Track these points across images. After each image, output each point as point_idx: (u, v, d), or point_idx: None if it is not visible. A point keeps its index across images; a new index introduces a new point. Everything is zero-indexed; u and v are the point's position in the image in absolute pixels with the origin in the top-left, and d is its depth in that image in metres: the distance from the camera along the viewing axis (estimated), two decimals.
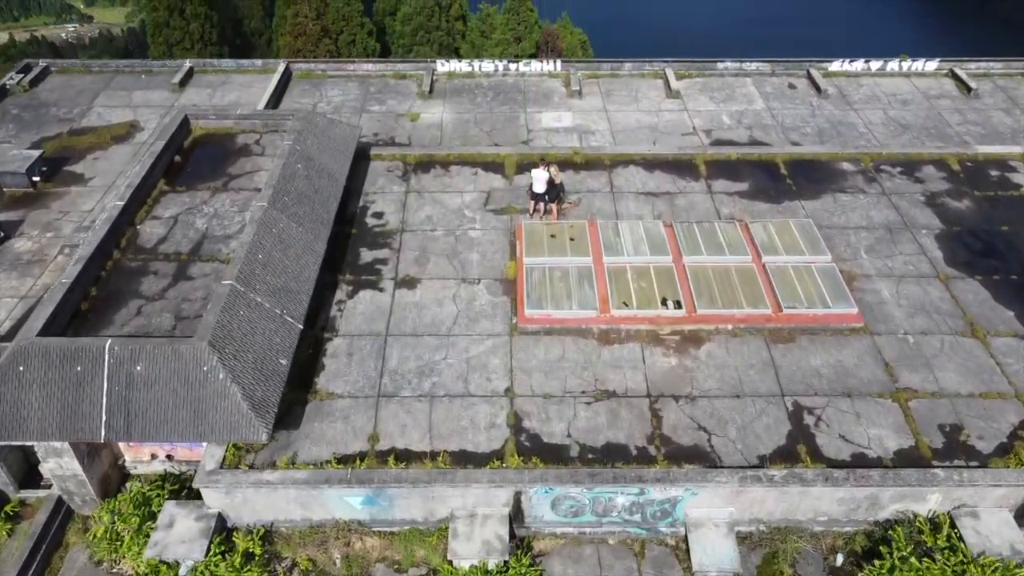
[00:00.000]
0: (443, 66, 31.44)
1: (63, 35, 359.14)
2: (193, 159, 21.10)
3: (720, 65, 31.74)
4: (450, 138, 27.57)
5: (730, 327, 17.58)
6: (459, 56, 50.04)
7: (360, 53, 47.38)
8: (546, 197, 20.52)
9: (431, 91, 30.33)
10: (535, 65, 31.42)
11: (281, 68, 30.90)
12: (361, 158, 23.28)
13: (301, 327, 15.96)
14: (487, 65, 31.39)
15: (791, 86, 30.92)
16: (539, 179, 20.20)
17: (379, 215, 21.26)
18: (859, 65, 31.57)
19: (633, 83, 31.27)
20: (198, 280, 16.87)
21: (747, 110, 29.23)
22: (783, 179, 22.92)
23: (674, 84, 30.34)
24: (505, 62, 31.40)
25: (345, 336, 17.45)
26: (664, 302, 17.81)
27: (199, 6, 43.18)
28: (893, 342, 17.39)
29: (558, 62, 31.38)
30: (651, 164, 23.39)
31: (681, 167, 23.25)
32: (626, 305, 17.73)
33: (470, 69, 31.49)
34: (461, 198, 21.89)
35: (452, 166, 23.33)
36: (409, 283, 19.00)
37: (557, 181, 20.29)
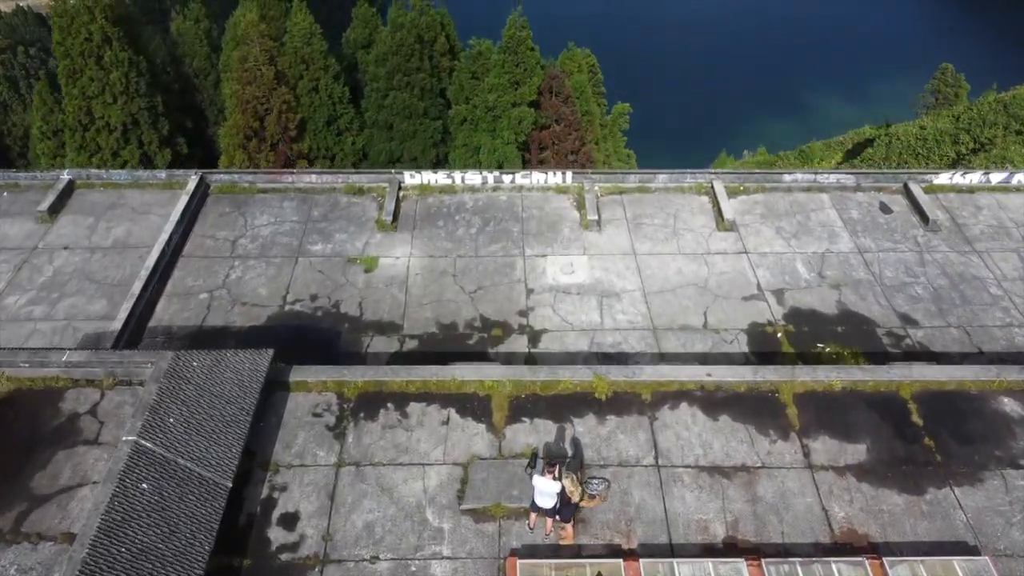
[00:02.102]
0: (413, 178, 23.29)
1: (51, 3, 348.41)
2: None
3: (787, 177, 23.62)
4: (417, 305, 19.64)
5: None
6: (444, 98, 41.62)
7: (324, 103, 39.03)
8: (557, 515, 12.72)
9: (395, 217, 22.24)
10: (537, 177, 23.29)
11: (193, 182, 22.78)
12: (276, 387, 15.39)
13: None
14: (472, 177, 23.26)
15: (884, 208, 22.82)
16: (546, 491, 12.36)
17: (289, 522, 13.38)
18: (974, 178, 23.46)
19: (670, 202, 23.17)
20: None
21: (829, 253, 21.20)
22: (917, 433, 15.00)
23: (726, 208, 22.24)
24: (496, 173, 23.27)
25: None
26: None
27: (120, 51, 34.84)
28: None
29: (568, 174, 23.24)
30: (713, 402, 15.49)
31: (759, 407, 15.34)
32: None
33: (449, 182, 23.37)
34: (423, 480, 14.00)
35: (411, 403, 15.40)
36: None
37: (574, 499, 12.44)
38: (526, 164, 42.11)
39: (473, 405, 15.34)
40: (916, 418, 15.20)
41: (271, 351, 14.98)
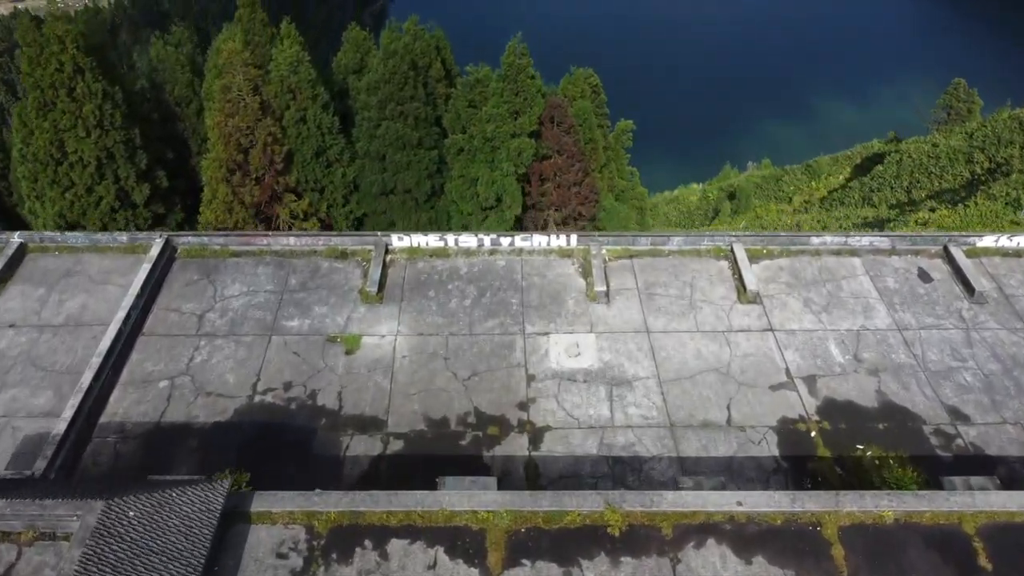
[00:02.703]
0: (401, 241, 21.09)
1: (50, 5, 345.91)
2: None
3: (815, 240, 21.38)
4: (404, 395, 17.43)
5: None
6: (440, 126, 39.33)
7: (312, 134, 36.77)
8: None
9: (381, 286, 20.03)
10: (538, 239, 21.07)
11: (157, 247, 20.58)
12: (234, 519, 13.19)
13: None
14: (467, 239, 21.04)
15: (923, 276, 20.60)
16: None
17: None
18: (1022, 241, 21.23)
19: (685, 268, 20.95)
20: None
21: (865, 330, 18.98)
22: None
23: (748, 278, 20.03)
24: (493, 236, 21.06)
25: None
26: None
27: (93, 82, 32.59)
28: None
29: (572, 237, 21.02)
30: (745, 538, 13.28)
31: (799, 546, 13.13)
32: None
33: (441, 244, 21.16)
34: None
35: (393, 539, 13.19)
36: None
37: None
38: (526, 196, 39.94)
39: (465, 542, 13.11)
40: (982, 559, 12.98)
41: (226, 483, 12.78)
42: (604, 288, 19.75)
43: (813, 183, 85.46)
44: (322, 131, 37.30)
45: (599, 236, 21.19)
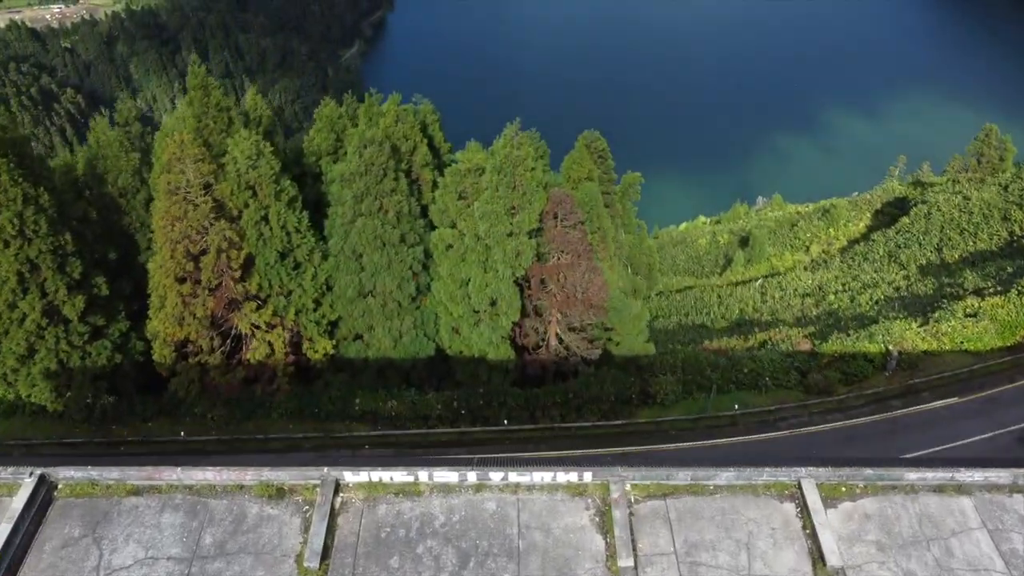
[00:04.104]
0: (356, 476, 15.77)
1: (48, 16, 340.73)
2: None
3: (911, 475, 16.04)
4: None
5: None
6: (426, 214, 34.06)
7: (276, 235, 31.48)
8: None
9: (325, 555, 14.69)
10: (540, 476, 15.74)
11: (28, 488, 15.26)
12: None
13: None
14: (443, 474, 15.72)
15: None
16: None
17: None
18: None
19: (738, 516, 15.60)
20: None
21: None
22: None
23: (825, 539, 14.70)
24: (481, 470, 15.71)
25: None
26: None
27: (12, 186, 27.32)
28: None
29: (587, 474, 15.70)
30: None
31: None
32: None
33: (411, 479, 15.83)
34: None
35: None
36: None
37: None
38: (525, 298, 34.70)
39: None
40: None
41: None
42: (631, 560, 14.41)
43: (831, 230, 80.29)
44: (288, 231, 32.06)
45: (622, 470, 15.83)
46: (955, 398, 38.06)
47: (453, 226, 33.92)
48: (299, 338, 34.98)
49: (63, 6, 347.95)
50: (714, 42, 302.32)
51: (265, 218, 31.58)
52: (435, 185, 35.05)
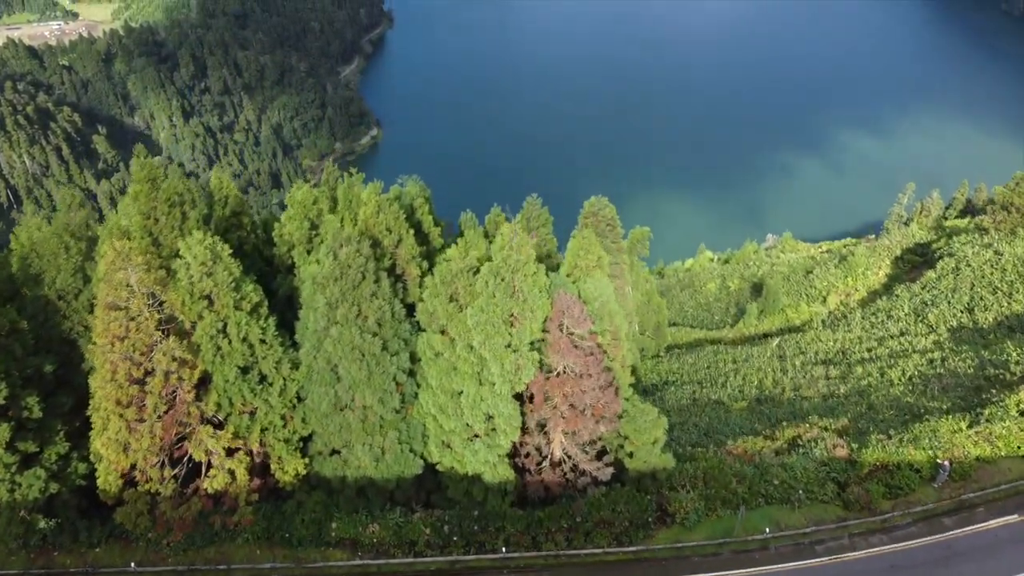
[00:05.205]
0: None
1: (47, 33, 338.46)
2: None
3: None
4: None
5: None
6: (413, 312, 29.46)
7: (238, 350, 26.85)
8: None
9: None
10: None
11: None
12: None
13: None
14: None
15: None
16: None
17: None
18: None
19: None
20: None
21: None
22: None
23: None
24: None
25: None
26: None
27: None
28: None
29: None
30: None
31: None
32: None
33: None
34: None
35: None
36: None
37: None
38: (526, 415, 30.20)
39: None
40: None
41: None
42: None
43: (849, 279, 75.83)
44: (250, 343, 27.61)
45: None
46: (1015, 515, 33.52)
47: (443, 331, 29.49)
48: (266, 458, 30.48)
49: (62, 23, 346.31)
50: (716, 62, 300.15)
51: (223, 330, 27.12)
52: (423, 280, 30.63)
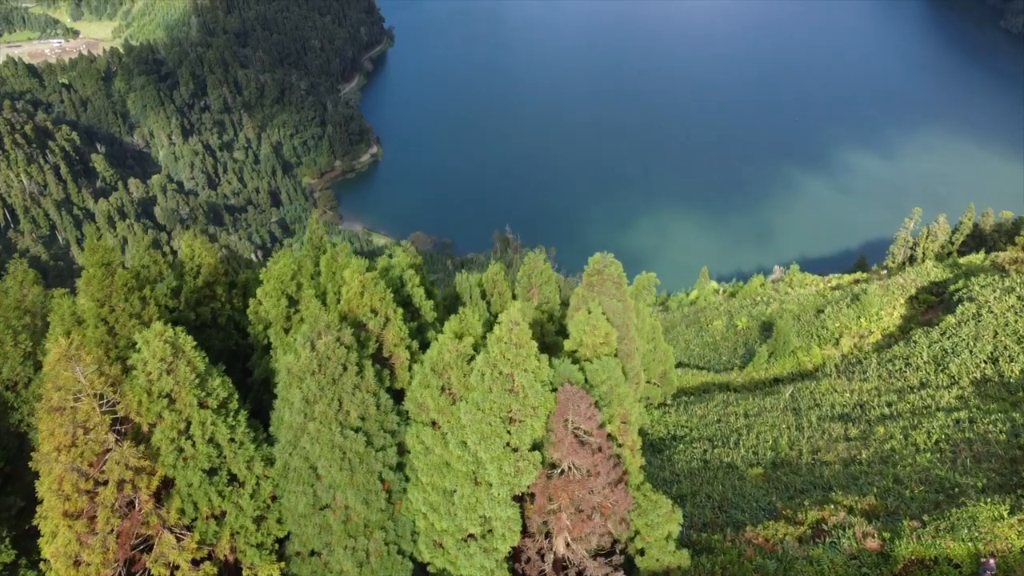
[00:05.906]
0: None
1: (47, 51, 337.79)
2: None
3: None
4: None
5: None
6: (400, 398, 26.35)
7: (203, 452, 23.32)
8: None
9: None
10: None
11: None
12: None
13: None
14: None
15: None
16: None
17: None
18: None
19: None
20: None
21: None
22: None
23: None
24: None
25: None
26: None
27: None
28: None
29: None
30: None
31: None
32: None
33: None
34: None
35: None
36: None
37: None
38: (526, 518, 27.13)
39: None
40: None
41: None
42: None
43: (862, 320, 72.83)
44: (217, 443, 24.61)
45: None
46: None
47: (434, 424, 26.51)
48: (238, 563, 27.39)
49: (63, 41, 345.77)
50: (719, 81, 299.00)
51: (186, 431, 24.14)
52: (412, 366, 27.67)
